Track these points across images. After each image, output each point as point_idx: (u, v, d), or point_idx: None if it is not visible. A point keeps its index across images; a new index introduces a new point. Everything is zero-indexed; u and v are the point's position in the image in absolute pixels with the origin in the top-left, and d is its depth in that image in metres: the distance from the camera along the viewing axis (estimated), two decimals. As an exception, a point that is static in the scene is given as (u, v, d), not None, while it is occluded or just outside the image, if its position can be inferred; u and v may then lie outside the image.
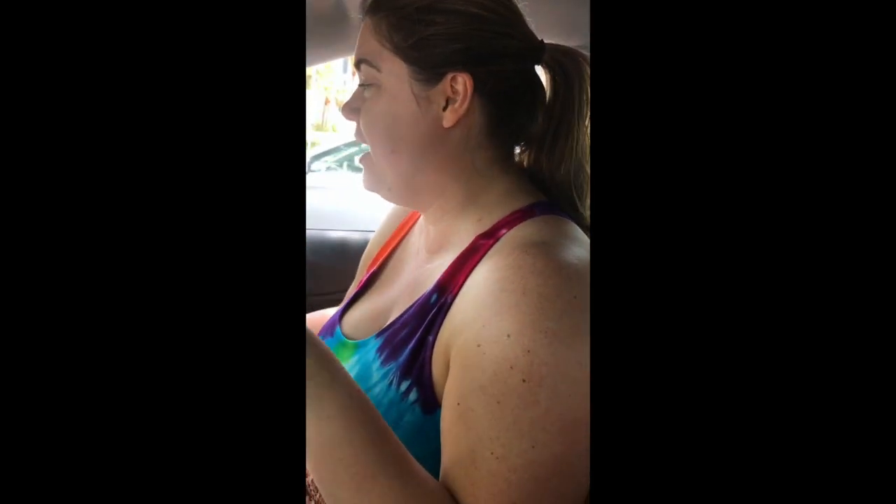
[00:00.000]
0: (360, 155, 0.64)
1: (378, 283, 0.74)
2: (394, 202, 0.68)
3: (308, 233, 1.55)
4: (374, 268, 0.76)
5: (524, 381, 0.45)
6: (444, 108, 0.57)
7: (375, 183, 0.63)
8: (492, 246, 0.55)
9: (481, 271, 0.53)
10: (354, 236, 1.61)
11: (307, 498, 0.64)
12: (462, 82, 0.56)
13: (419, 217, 0.74)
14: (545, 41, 0.62)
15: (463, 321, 0.51)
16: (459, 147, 0.59)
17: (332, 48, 1.16)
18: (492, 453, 0.45)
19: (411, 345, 0.55)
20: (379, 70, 0.58)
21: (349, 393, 0.44)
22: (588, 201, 0.61)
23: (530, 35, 0.61)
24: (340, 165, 4.84)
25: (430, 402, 0.53)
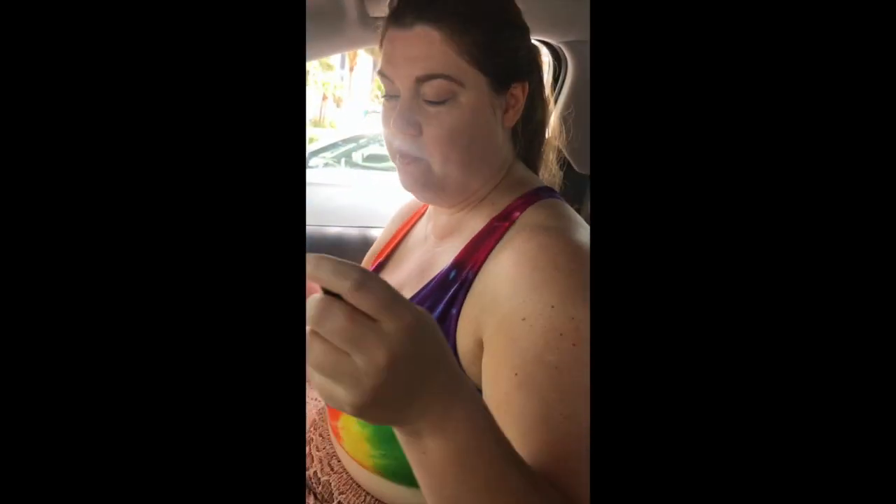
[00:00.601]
0: (407, 159, 0.62)
1: (385, 270, 0.77)
2: (432, 202, 0.69)
3: (305, 229, 1.55)
4: (381, 258, 0.79)
5: (574, 345, 0.49)
6: (505, 112, 0.64)
7: (427, 187, 0.64)
8: (508, 227, 0.60)
9: (506, 253, 0.56)
10: (351, 232, 1.61)
11: (307, 492, 0.64)
12: (521, 88, 0.64)
13: (426, 209, 0.78)
14: (544, 38, 0.66)
15: (495, 298, 0.54)
16: (505, 144, 0.66)
17: (330, 44, 1.16)
18: (560, 413, 0.48)
19: (434, 317, 0.57)
20: (463, 86, 0.60)
21: (473, 399, 0.41)
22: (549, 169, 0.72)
23: None
24: (338, 162, 4.84)
25: None
